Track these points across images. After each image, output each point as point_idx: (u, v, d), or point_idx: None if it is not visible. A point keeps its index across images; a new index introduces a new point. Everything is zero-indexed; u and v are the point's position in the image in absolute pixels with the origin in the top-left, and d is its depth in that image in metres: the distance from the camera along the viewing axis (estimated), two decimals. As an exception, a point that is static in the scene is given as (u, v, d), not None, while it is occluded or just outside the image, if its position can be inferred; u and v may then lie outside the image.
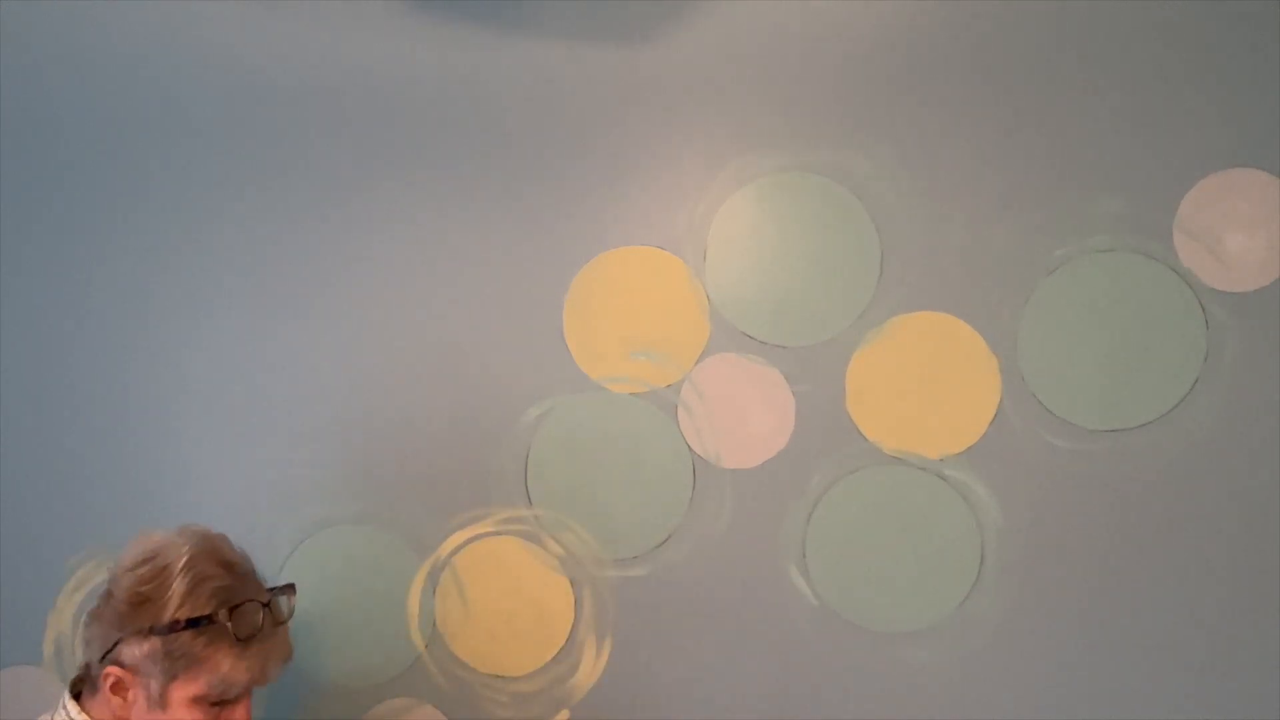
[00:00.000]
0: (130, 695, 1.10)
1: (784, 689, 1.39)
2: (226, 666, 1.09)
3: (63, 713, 1.13)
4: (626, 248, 1.39)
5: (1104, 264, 1.35)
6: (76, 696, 1.15)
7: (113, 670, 1.10)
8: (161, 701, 1.09)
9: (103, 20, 1.38)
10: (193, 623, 1.08)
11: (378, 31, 1.37)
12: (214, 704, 1.11)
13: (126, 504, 1.44)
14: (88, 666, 1.14)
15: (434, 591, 1.43)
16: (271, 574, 1.44)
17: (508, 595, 1.43)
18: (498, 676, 1.44)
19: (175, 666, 1.08)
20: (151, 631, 1.08)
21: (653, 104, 1.37)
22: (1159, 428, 1.35)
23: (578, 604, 1.43)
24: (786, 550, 1.41)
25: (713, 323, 1.39)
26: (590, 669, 1.43)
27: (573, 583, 1.43)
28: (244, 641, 1.10)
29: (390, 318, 1.41)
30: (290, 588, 1.19)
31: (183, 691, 1.09)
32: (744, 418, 1.39)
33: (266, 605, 1.14)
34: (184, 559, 1.11)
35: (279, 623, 1.16)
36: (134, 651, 1.09)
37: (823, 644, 1.37)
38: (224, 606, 1.10)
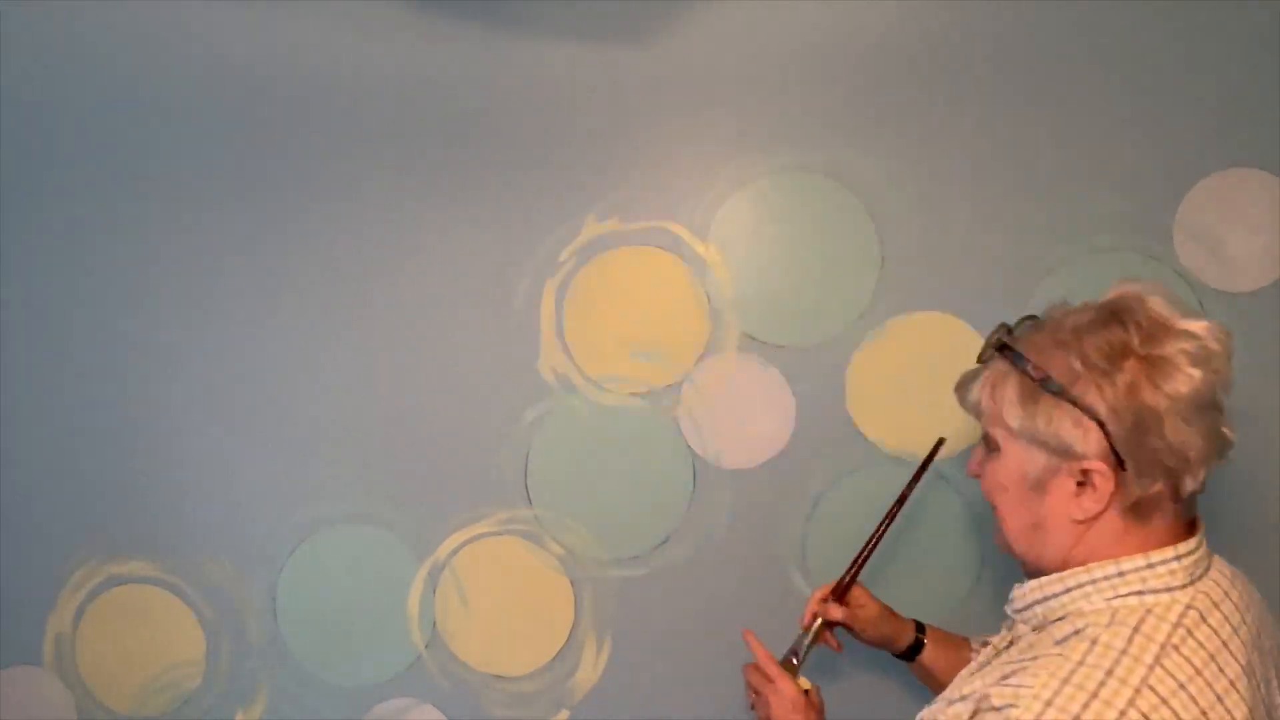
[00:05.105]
0: None
1: (784, 689, 1.39)
2: None
3: None
4: (626, 248, 1.39)
5: (1104, 264, 1.34)
6: None
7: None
8: None
9: (101, 20, 1.38)
10: None
11: (378, 32, 1.37)
12: None
13: (126, 504, 1.44)
14: None
15: (434, 591, 1.43)
16: (271, 574, 1.44)
17: (508, 595, 1.43)
18: (498, 676, 1.44)
19: None
20: None
21: (653, 104, 1.37)
22: (1159, 428, 1.35)
23: (578, 604, 1.43)
24: (786, 550, 1.41)
25: (713, 323, 1.39)
26: (590, 669, 1.43)
27: (573, 583, 1.43)
28: None
29: (391, 317, 1.41)
30: None
31: None
32: (744, 418, 1.39)
33: None
34: None
35: None
36: None
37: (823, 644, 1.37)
38: None
